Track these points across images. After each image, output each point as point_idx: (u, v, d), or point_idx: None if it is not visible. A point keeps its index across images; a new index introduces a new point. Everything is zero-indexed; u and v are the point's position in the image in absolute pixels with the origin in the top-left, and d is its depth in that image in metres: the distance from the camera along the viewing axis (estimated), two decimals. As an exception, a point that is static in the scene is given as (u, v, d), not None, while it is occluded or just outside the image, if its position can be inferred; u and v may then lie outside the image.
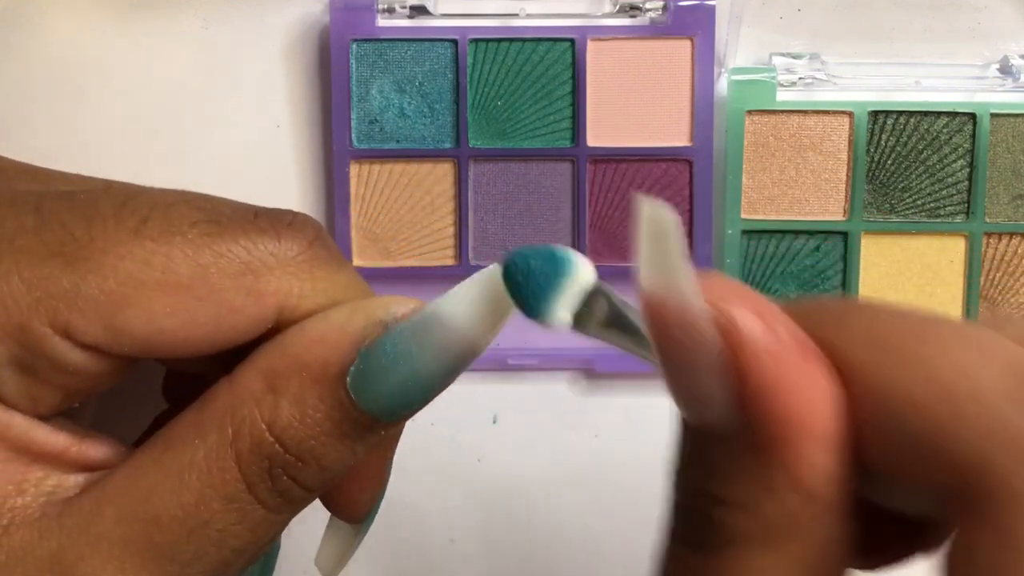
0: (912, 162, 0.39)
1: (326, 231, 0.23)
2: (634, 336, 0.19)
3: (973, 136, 0.39)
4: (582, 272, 0.20)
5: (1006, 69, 0.39)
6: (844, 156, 0.39)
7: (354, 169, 0.39)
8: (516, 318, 0.21)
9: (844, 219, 0.39)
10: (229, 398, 0.21)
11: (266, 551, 0.24)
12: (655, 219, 0.16)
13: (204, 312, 0.21)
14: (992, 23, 0.40)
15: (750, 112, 0.39)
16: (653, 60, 0.39)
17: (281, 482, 0.21)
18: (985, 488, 0.15)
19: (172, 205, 0.21)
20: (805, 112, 0.39)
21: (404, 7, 0.38)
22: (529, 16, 0.39)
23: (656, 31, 0.39)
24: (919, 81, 0.39)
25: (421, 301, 0.22)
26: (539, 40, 0.39)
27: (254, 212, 0.22)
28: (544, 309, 0.19)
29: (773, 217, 0.39)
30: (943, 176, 0.39)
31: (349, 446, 0.21)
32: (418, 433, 0.39)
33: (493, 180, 0.39)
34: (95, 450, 0.22)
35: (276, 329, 0.22)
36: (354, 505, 0.25)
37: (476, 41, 0.39)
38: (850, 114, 0.39)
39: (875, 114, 0.39)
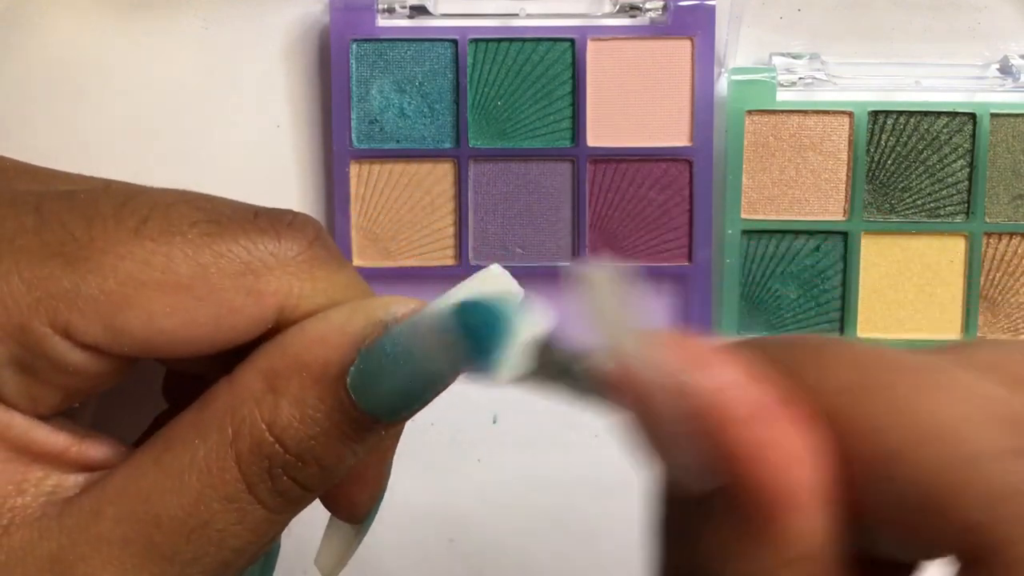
0: (912, 162, 0.39)
1: (326, 231, 0.23)
2: (583, 384, 0.19)
3: (973, 136, 0.39)
4: (530, 327, 0.19)
5: (1006, 69, 0.39)
6: (844, 156, 0.39)
7: (354, 169, 0.39)
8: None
9: (844, 219, 0.39)
10: (229, 398, 0.21)
11: (266, 551, 0.24)
12: (598, 282, 0.15)
13: (204, 312, 0.21)
14: (992, 23, 0.40)
15: (750, 112, 0.39)
16: (653, 60, 0.39)
17: (281, 482, 0.21)
18: (987, 548, 0.15)
19: (172, 205, 0.21)
20: (805, 112, 0.39)
21: (404, 7, 0.38)
22: (529, 16, 0.39)
23: (656, 31, 0.39)
24: (919, 81, 0.39)
25: (421, 301, 0.22)
26: (539, 40, 0.39)
27: (254, 212, 0.22)
28: (492, 366, 0.19)
29: (773, 217, 0.39)
30: (943, 176, 0.39)
31: (349, 446, 0.21)
32: (418, 433, 0.39)
33: (493, 180, 0.39)
34: (95, 450, 0.22)
35: (276, 329, 0.22)
36: (354, 505, 0.25)
37: (476, 41, 0.39)
38: (850, 114, 0.39)
39: (875, 114, 0.39)
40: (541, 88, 0.39)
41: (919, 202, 0.39)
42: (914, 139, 0.39)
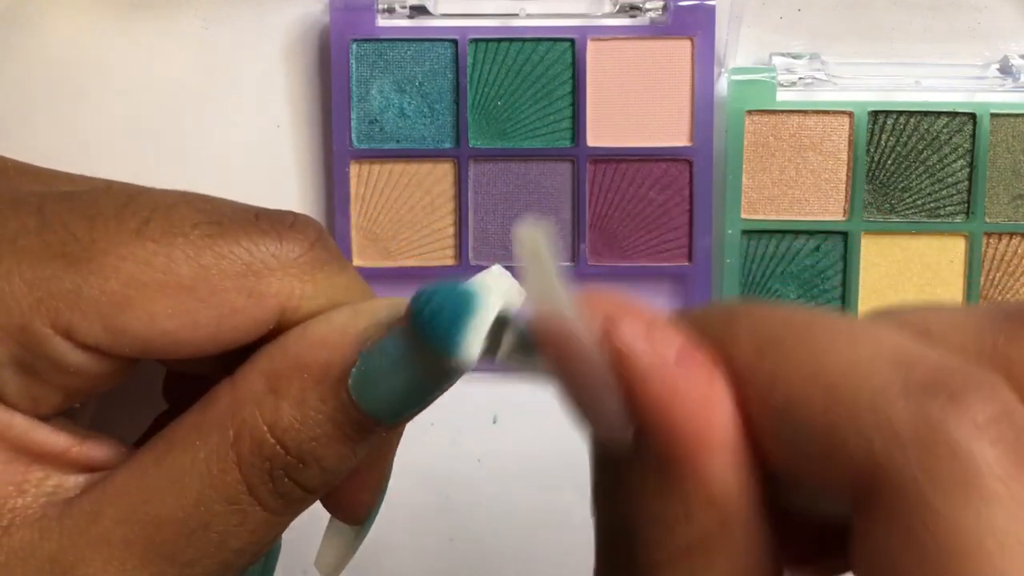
0: (912, 162, 0.39)
1: (327, 233, 0.23)
2: (529, 353, 0.19)
3: (973, 136, 0.39)
4: (489, 305, 0.19)
5: (1006, 69, 0.39)
6: (844, 156, 0.39)
7: (354, 169, 0.39)
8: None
9: (844, 219, 0.39)
10: (230, 400, 0.21)
11: (266, 551, 0.24)
12: (529, 241, 0.16)
13: (205, 313, 0.21)
14: (992, 23, 0.40)
15: (750, 112, 0.39)
16: (653, 60, 0.39)
17: (282, 484, 0.21)
18: (876, 482, 0.15)
19: (174, 206, 0.21)
20: (805, 112, 0.39)
21: (404, 7, 0.38)
22: (529, 16, 0.39)
23: (656, 31, 0.39)
24: (919, 81, 0.39)
25: (422, 302, 0.22)
26: (539, 40, 0.39)
27: (255, 213, 0.22)
28: (453, 351, 0.19)
29: (773, 217, 0.39)
30: (943, 176, 0.39)
31: (350, 447, 0.21)
32: (418, 433, 0.39)
33: (493, 180, 0.39)
34: (96, 451, 0.22)
35: (277, 331, 0.22)
36: (354, 506, 0.25)
37: (476, 41, 0.39)
38: (850, 114, 0.39)
39: (875, 114, 0.39)
40: (541, 88, 0.39)
41: (919, 202, 0.39)
42: (914, 139, 0.39)
